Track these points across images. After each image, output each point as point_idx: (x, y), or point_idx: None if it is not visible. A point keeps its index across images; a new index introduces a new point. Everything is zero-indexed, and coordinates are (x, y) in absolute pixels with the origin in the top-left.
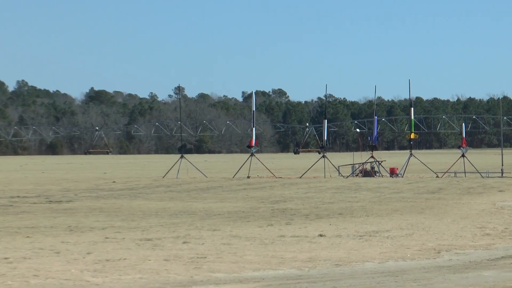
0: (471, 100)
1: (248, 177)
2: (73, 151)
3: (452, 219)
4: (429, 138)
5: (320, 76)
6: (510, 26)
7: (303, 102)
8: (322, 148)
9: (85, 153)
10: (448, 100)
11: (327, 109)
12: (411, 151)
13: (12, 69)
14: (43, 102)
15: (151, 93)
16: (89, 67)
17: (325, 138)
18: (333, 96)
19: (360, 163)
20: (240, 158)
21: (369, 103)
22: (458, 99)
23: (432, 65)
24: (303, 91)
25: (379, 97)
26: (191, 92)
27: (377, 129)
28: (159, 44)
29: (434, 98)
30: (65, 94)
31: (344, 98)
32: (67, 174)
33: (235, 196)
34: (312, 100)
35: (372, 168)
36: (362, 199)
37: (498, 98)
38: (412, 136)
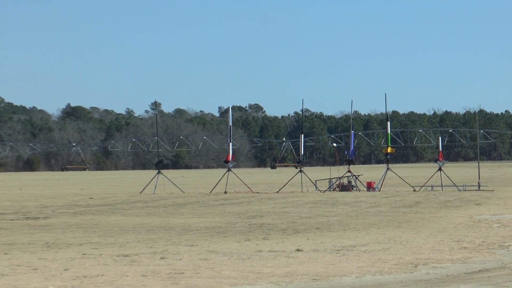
0: (447, 113)
1: (225, 192)
2: (50, 167)
3: (429, 232)
4: (406, 152)
5: (297, 91)
6: (485, 40)
7: (280, 117)
8: (299, 163)
9: (62, 170)
10: (424, 114)
11: (304, 123)
12: (388, 165)
13: None
14: (19, 118)
15: (128, 108)
16: (65, 83)
17: (302, 152)
18: (310, 111)
19: (337, 178)
20: (217, 173)
21: (346, 117)
22: (435, 113)
23: (408, 79)
24: (279, 105)
25: (355, 111)
26: (168, 108)
27: (354, 143)
28: (135, 60)
29: (410, 111)
30: (41, 110)
31: (320, 113)
32: (44, 191)
33: (212, 211)
34: (289, 115)
35: (349, 182)
36: (339, 213)
37: (474, 111)
38: (389, 150)
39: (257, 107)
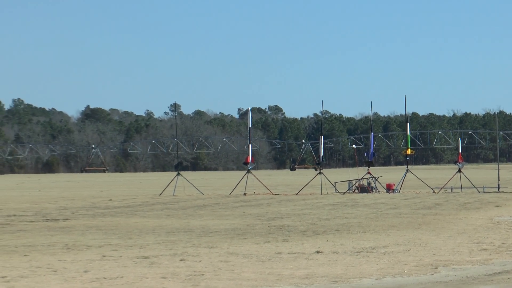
0: (467, 115)
1: (245, 194)
2: (70, 169)
3: (449, 234)
4: (426, 154)
5: (316, 93)
6: (505, 41)
7: (299, 119)
8: (319, 165)
9: (82, 171)
10: (444, 116)
11: (323, 125)
12: (407, 167)
13: (8, 87)
14: (39, 120)
15: (147, 110)
16: (84, 85)
17: (322, 154)
18: (329, 112)
19: (356, 179)
20: (236, 175)
21: (365, 119)
22: (454, 114)
23: (427, 81)
24: (299, 107)
25: (375, 113)
26: (187, 109)
27: (373, 145)
28: (155, 62)
29: (430, 113)
30: (61, 112)
31: (340, 114)
32: (63, 192)
33: (232, 213)
34: (308, 117)
35: (369, 184)
36: (359, 215)
37: (494, 112)
38: (409, 151)
39: (276, 109)
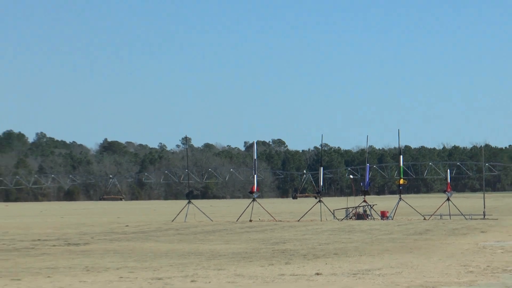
0: (455, 148)
1: (251, 220)
2: (89, 197)
3: (439, 258)
4: (417, 183)
5: (316, 127)
6: (491, 80)
7: (301, 151)
8: (318, 193)
9: (100, 199)
10: (434, 148)
11: (323, 157)
12: (400, 196)
13: (31, 122)
14: (60, 152)
15: (160, 143)
16: (102, 119)
17: (321, 184)
18: (328, 145)
19: (353, 207)
20: (242, 203)
21: (361, 152)
22: (444, 147)
23: (419, 116)
24: (300, 141)
25: (370, 146)
26: (197, 142)
27: (368, 175)
28: (168, 98)
29: (421, 146)
30: (81, 145)
31: (338, 147)
32: (83, 219)
33: (238, 238)
34: (309, 149)
35: (365, 211)
36: (356, 240)
37: (480, 146)
38: (401, 181)
39: (279, 142)
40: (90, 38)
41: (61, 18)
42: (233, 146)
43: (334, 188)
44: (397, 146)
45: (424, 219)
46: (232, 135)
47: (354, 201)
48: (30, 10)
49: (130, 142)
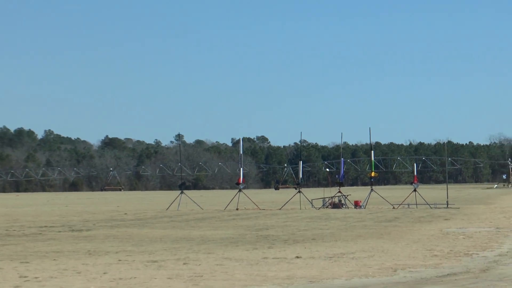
0: (421, 144)
1: (237, 209)
2: (91, 188)
3: (406, 243)
4: (387, 176)
5: (296, 125)
6: (454, 79)
7: (282, 147)
8: (298, 185)
9: (101, 190)
10: (402, 144)
11: (302, 152)
12: (371, 187)
13: (40, 120)
14: (66, 147)
15: (156, 139)
16: (104, 118)
17: (300, 176)
18: (307, 141)
19: (329, 197)
20: (230, 193)
21: (337, 147)
22: (410, 143)
23: (389, 115)
24: (282, 137)
25: (345, 142)
26: (189, 139)
27: (343, 168)
28: (163, 98)
29: (390, 142)
30: (84, 141)
31: (316, 143)
32: (86, 208)
33: (226, 225)
34: (290, 145)
35: (340, 201)
36: (332, 226)
37: (444, 142)
38: (373, 174)
39: (263, 139)
40: (96, 41)
41: (61, 20)
42: (221, 142)
43: (312, 180)
44: (368, 142)
45: (393, 208)
46: (221, 132)
47: (330, 192)
48: (38, 11)
49: (129, 139)
